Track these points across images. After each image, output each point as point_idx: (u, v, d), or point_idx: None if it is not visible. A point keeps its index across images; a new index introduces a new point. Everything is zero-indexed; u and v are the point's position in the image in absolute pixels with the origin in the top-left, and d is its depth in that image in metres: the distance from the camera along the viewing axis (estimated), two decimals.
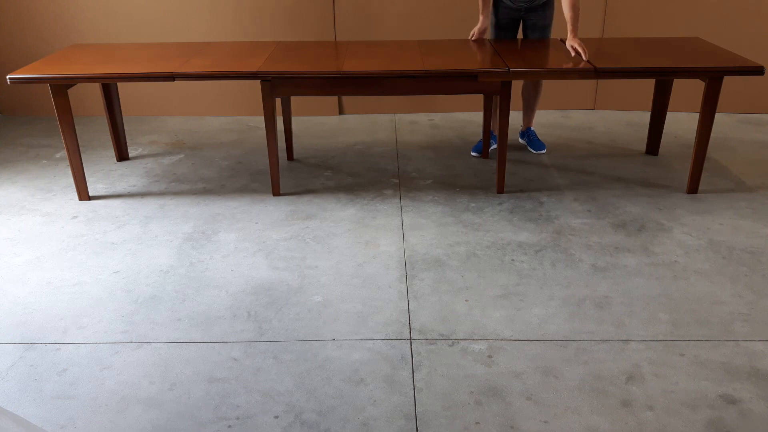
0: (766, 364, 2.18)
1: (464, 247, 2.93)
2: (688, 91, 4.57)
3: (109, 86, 3.77)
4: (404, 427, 1.94)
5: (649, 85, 4.53)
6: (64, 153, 4.12)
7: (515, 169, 3.79)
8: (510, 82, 3.22)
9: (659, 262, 2.80)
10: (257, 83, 4.65)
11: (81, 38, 4.63)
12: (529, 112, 4.10)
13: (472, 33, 3.78)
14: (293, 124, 4.64)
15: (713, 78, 3.18)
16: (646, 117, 4.57)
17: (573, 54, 3.32)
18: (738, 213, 3.22)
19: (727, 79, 3.34)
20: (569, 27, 3.45)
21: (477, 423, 1.95)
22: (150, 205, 3.39)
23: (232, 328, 2.39)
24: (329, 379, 2.13)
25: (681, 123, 4.52)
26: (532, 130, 4.12)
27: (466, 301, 2.54)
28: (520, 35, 3.89)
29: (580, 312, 2.46)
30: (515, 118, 4.46)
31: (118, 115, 3.88)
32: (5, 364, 2.23)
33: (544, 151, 4.05)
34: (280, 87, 3.22)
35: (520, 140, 4.20)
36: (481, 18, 3.75)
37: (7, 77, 3.13)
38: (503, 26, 3.78)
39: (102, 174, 3.81)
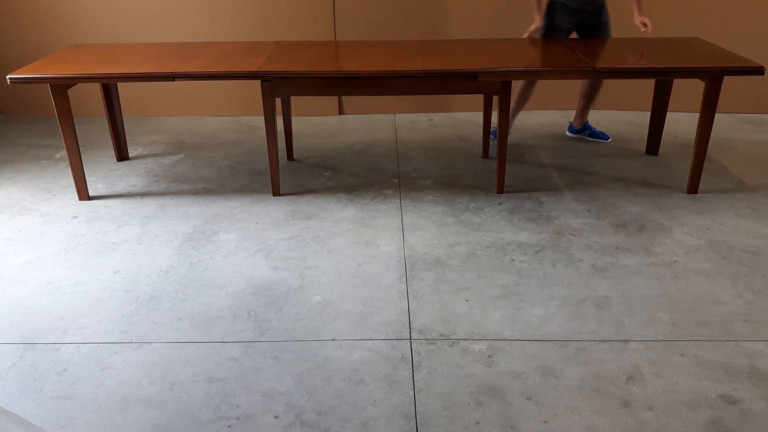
0: (766, 364, 2.18)
1: (464, 247, 2.93)
2: (688, 91, 4.57)
3: (109, 86, 3.77)
4: (404, 427, 1.94)
5: (649, 85, 4.52)
6: (64, 153, 4.12)
7: (515, 169, 3.79)
8: (510, 82, 3.22)
9: (659, 262, 2.80)
10: (257, 83, 4.65)
11: (81, 38, 4.63)
12: (587, 108, 4.18)
13: (527, 32, 3.80)
14: (293, 124, 4.64)
15: (713, 78, 3.18)
16: (646, 117, 4.57)
17: (643, 29, 3.65)
18: (738, 213, 3.22)
19: (727, 79, 3.34)
20: (636, 4, 3.75)
21: (477, 423, 1.95)
22: (150, 205, 3.39)
23: (232, 328, 2.39)
24: (329, 379, 2.13)
25: (681, 123, 4.52)
26: (590, 124, 4.27)
27: (466, 301, 2.54)
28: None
29: (580, 312, 2.46)
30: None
31: (118, 115, 3.88)
32: (5, 364, 2.23)
33: (609, 140, 4.21)
34: (280, 87, 3.22)
35: (570, 134, 4.32)
36: (536, 18, 3.77)
37: (7, 77, 3.13)
38: (567, 30, 3.80)
39: (102, 174, 3.81)
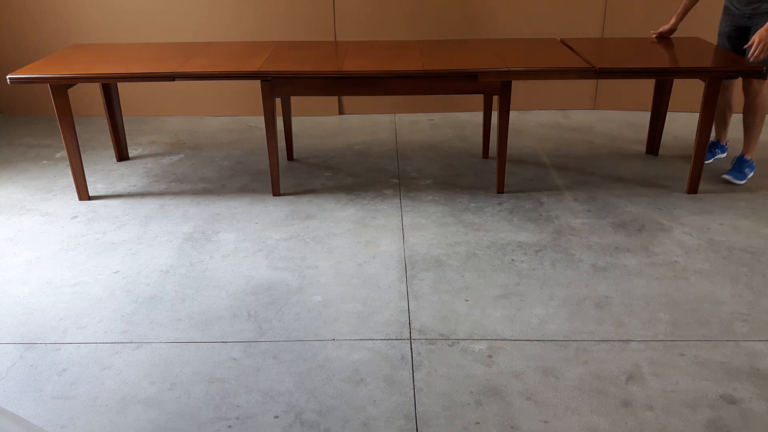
0: (766, 364, 2.18)
1: (464, 247, 2.93)
2: (688, 91, 4.57)
3: (109, 86, 3.77)
4: (404, 427, 1.93)
5: (649, 85, 4.53)
6: (64, 153, 4.12)
7: (515, 169, 3.79)
8: (510, 82, 3.22)
9: (659, 262, 2.80)
10: (257, 83, 4.65)
11: (81, 38, 4.63)
12: (744, 135, 3.55)
13: (656, 31, 3.76)
14: (293, 124, 4.64)
15: (713, 78, 3.18)
16: (646, 117, 4.57)
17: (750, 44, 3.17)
18: (738, 213, 3.22)
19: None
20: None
21: (477, 423, 1.95)
22: (150, 205, 3.39)
23: (232, 328, 2.39)
24: (329, 379, 2.13)
25: (681, 123, 4.51)
26: (744, 158, 3.56)
27: (466, 301, 2.54)
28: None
29: (580, 312, 2.46)
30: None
31: (118, 115, 3.88)
32: (5, 364, 2.23)
33: (739, 182, 3.53)
34: (280, 87, 3.22)
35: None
36: (672, 19, 3.70)
37: (7, 77, 3.13)
38: (725, 35, 3.54)
39: (102, 174, 3.81)
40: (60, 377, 2.16)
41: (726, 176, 3.52)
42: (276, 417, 1.98)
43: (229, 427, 1.95)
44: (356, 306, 2.51)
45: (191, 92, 4.81)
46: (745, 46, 3.23)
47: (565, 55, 3.36)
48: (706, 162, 3.78)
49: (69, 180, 3.70)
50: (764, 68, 3.20)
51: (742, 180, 3.51)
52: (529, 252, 2.88)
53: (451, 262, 2.81)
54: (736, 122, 3.81)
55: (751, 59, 3.15)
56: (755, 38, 3.14)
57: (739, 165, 3.55)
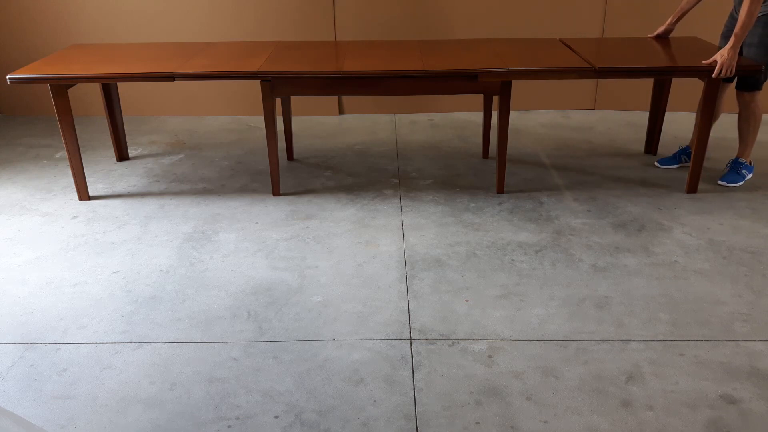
0: (766, 364, 2.18)
1: (464, 247, 2.93)
2: (687, 91, 4.57)
3: (109, 86, 3.77)
4: (404, 427, 1.94)
5: (648, 84, 4.53)
6: (64, 153, 4.12)
7: (515, 169, 3.79)
8: (510, 82, 3.22)
9: (659, 262, 2.80)
10: (257, 83, 4.65)
11: (81, 38, 4.63)
12: (739, 141, 3.54)
13: (654, 33, 3.77)
14: (293, 124, 4.64)
15: (712, 78, 3.17)
16: (645, 117, 4.56)
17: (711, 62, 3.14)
18: (738, 213, 3.22)
19: None
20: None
21: (477, 423, 1.95)
22: (150, 205, 3.39)
23: (232, 328, 2.39)
24: (329, 379, 2.13)
25: (680, 123, 4.52)
26: (740, 160, 3.56)
27: (466, 301, 2.54)
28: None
29: (580, 312, 2.46)
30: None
31: (118, 115, 3.88)
32: (5, 364, 2.23)
33: (733, 185, 3.52)
34: (280, 87, 3.22)
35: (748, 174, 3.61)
36: (668, 21, 3.70)
37: (7, 77, 3.13)
38: (726, 36, 3.43)
39: (102, 174, 3.81)
40: (60, 377, 2.16)
41: (721, 182, 3.53)
42: (276, 417, 1.98)
43: (229, 427, 1.95)
44: (356, 306, 2.51)
45: (191, 92, 4.81)
46: (704, 62, 3.17)
47: (565, 55, 3.36)
48: (671, 167, 3.80)
49: (69, 180, 3.70)
50: (763, 68, 3.21)
51: (739, 182, 3.52)
52: (529, 252, 2.89)
53: (451, 262, 2.81)
54: (732, 124, 3.82)
55: (714, 76, 3.14)
56: (717, 59, 3.12)
57: (735, 167, 3.56)
